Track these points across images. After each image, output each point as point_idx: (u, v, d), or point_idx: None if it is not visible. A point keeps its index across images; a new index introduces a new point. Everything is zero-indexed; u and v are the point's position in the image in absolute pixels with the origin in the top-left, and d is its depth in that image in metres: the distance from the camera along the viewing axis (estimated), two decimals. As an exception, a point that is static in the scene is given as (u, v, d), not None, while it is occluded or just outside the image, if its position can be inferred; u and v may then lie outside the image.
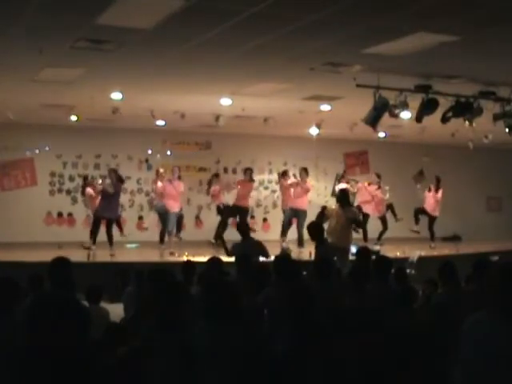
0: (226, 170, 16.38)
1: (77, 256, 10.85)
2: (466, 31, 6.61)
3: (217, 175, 14.41)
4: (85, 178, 14.09)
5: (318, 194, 15.96)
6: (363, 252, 7.36)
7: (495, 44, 7.13)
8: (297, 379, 3.72)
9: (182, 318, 3.57)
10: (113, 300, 7.65)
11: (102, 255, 11.76)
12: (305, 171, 13.61)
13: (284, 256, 7.63)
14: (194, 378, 3.41)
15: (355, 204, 14.04)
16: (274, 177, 16.92)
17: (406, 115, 9.30)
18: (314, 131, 13.68)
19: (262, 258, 8.32)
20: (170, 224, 12.51)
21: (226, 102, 11.04)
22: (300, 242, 12.81)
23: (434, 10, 5.90)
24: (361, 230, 13.24)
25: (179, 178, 13.01)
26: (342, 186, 14.14)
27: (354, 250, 10.21)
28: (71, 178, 15.35)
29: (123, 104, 11.07)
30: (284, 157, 16.53)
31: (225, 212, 13.59)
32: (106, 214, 11.97)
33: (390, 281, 6.18)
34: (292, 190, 13.49)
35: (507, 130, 9.86)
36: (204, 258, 7.71)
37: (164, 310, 3.51)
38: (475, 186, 18.28)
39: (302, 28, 6.50)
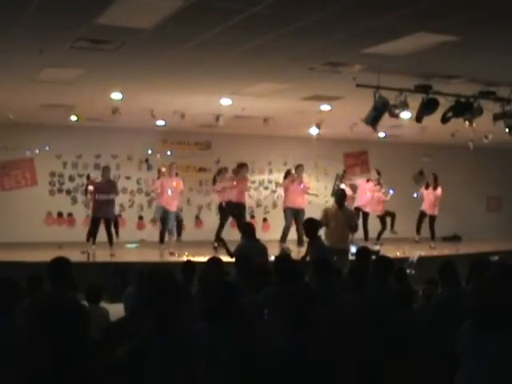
0: (226, 170, 16.34)
1: (77, 256, 10.88)
2: (466, 31, 6.61)
3: (222, 171, 14.08)
4: (88, 177, 14.05)
5: (318, 194, 15.93)
6: (363, 252, 7.36)
7: (495, 44, 7.13)
8: (297, 379, 3.72)
9: (182, 318, 3.57)
10: (113, 300, 7.65)
11: (101, 255, 11.76)
12: (300, 168, 13.55)
13: (284, 256, 7.63)
14: (193, 377, 3.41)
15: (355, 205, 14.11)
16: (274, 177, 16.94)
17: (405, 115, 9.30)
18: (314, 131, 13.68)
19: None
20: (169, 223, 12.49)
21: (225, 102, 11.04)
22: (300, 242, 12.79)
23: (434, 10, 5.90)
24: (360, 231, 13.25)
25: (176, 174, 12.95)
26: (343, 186, 14.18)
27: (353, 250, 10.23)
28: (71, 178, 15.34)
29: (123, 104, 11.07)
30: (284, 157, 16.53)
31: (224, 211, 13.46)
32: (102, 214, 11.94)
33: (389, 281, 6.17)
34: (291, 187, 13.40)
35: (507, 130, 9.85)
36: (204, 258, 7.71)
37: (164, 310, 3.51)
38: (475, 186, 18.27)
39: (302, 28, 6.50)
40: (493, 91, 9.34)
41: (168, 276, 5.39)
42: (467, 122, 9.75)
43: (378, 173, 14.72)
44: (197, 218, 16.28)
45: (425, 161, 16.82)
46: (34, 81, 9.39)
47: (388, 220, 14.97)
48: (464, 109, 9.29)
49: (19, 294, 4.31)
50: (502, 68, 8.28)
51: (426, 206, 14.74)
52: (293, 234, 13.17)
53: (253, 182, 16.82)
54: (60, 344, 2.56)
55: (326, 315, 4.75)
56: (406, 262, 11.02)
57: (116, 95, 10.41)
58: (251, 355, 3.79)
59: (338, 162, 17.08)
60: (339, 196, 10.22)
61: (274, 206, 16.68)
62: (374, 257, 7.41)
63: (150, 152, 15.62)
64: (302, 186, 13.41)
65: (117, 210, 13.33)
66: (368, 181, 14.62)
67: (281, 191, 15.08)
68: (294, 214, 13.09)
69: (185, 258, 10.26)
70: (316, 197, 13.99)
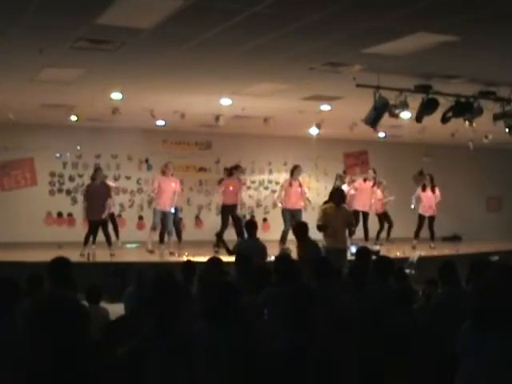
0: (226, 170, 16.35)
1: (77, 256, 10.89)
2: (466, 31, 6.61)
3: (233, 172, 13.62)
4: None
5: (318, 194, 15.93)
6: (363, 252, 7.35)
7: (495, 44, 7.13)
8: (297, 379, 3.72)
9: (182, 318, 3.57)
10: (113, 300, 7.65)
11: (102, 255, 11.76)
12: (298, 169, 13.23)
13: (284, 256, 7.63)
14: (193, 377, 3.42)
15: (355, 205, 14.12)
16: (274, 177, 16.93)
17: (405, 115, 9.30)
18: (313, 131, 13.67)
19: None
20: (168, 224, 12.46)
21: (225, 102, 11.04)
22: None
23: (434, 10, 5.90)
24: (360, 231, 13.20)
25: (172, 175, 12.89)
26: (346, 187, 14.18)
27: (353, 249, 10.22)
28: (71, 178, 15.35)
29: (123, 104, 11.06)
30: (284, 157, 16.52)
31: (224, 213, 13.34)
32: (95, 216, 11.88)
33: (390, 281, 6.17)
34: (290, 189, 13.32)
35: (507, 130, 9.85)
36: (204, 258, 7.71)
37: (164, 310, 3.51)
38: (475, 186, 18.27)
39: (301, 28, 6.49)
40: (493, 91, 9.34)
41: (168, 276, 5.39)
42: (467, 122, 9.75)
43: (374, 171, 14.76)
44: (197, 217, 16.28)
45: (425, 161, 16.81)
46: (33, 81, 9.39)
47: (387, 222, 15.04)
48: (464, 109, 9.29)
49: (19, 294, 4.31)
50: (502, 68, 8.28)
51: (424, 209, 14.56)
52: (292, 235, 13.12)
53: (253, 182, 16.83)
54: (60, 344, 2.56)
55: (326, 315, 4.75)
56: (406, 262, 11.01)
57: (116, 95, 10.41)
58: (251, 355, 3.79)
59: (338, 162, 17.08)
60: (338, 195, 10.09)
61: (274, 205, 16.62)
62: (374, 257, 7.41)
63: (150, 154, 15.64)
64: (299, 190, 13.25)
65: (117, 210, 13.32)
66: (365, 180, 14.62)
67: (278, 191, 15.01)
68: (291, 216, 13.03)
69: (185, 258, 10.26)
70: (309, 203, 13.62)
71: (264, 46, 7.28)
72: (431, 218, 14.54)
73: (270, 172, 17.05)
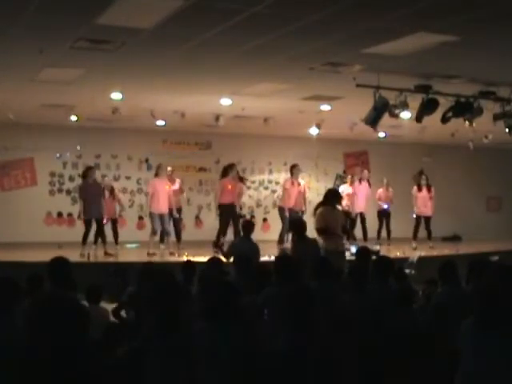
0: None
1: (77, 256, 10.89)
2: (466, 31, 6.61)
3: (228, 172, 13.26)
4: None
5: (318, 194, 15.92)
6: (363, 252, 7.35)
7: (495, 44, 7.13)
8: (297, 379, 3.72)
9: (182, 318, 3.57)
10: (113, 300, 7.64)
11: (101, 255, 11.77)
12: (296, 168, 13.09)
13: (284, 256, 7.62)
14: (193, 377, 3.41)
15: (355, 207, 14.14)
16: (274, 177, 16.95)
17: (405, 115, 9.30)
18: (314, 131, 13.68)
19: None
20: (166, 226, 12.38)
21: (226, 102, 11.04)
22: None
23: (434, 10, 5.90)
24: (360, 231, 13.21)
25: (170, 175, 12.81)
26: (349, 188, 14.19)
27: (353, 249, 10.20)
28: (71, 178, 15.36)
29: (123, 104, 11.07)
30: (284, 157, 16.52)
31: (223, 216, 13.19)
32: (92, 215, 11.85)
33: (390, 281, 6.17)
34: (290, 189, 13.29)
35: (507, 130, 9.86)
36: (204, 258, 7.71)
37: (164, 310, 3.50)
38: (475, 186, 18.27)
39: (301, 28, 6.50)
40: (493, 91, 9.35)
41: (168, 276, 5.39)
42: (467, 122, 9.76)
43: (369, 171, 14.81)
44: (197, 217, 16.28)
45: (425, 161, 16.82)
46: (33, 81, 9.39)
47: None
48: (464, 109, 9.29)
49: (19, 294, 4.31)
50: (502, 68, 8.28)
51: (420, 209, 14.43)
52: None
53: (253, 182, 16.84)
54: (60, 344, 2.56)
55: (326, 315, 4.75)
56: (406, 262, 11.01)
57: (116, 95, 10.41)
58: (251, 355, 3.79)
59: (338, 162, 17.09)
60: (334, 196, 9.89)
61: (274, 205, 16.63)
62: (374, 257, 7.40)
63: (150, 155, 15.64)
64: (301, 190, 13.21)
65: (117, 209, 13.31)
66: (361, 181, 14.59)
67: (279, 191, 15.04)
68: (291, 216, 12.98)
69: (185, 258, 10.26)
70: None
71: (264, 46, 7.28)
72: (427, 219, 14.39)
73: (270, 172, 17.06)
